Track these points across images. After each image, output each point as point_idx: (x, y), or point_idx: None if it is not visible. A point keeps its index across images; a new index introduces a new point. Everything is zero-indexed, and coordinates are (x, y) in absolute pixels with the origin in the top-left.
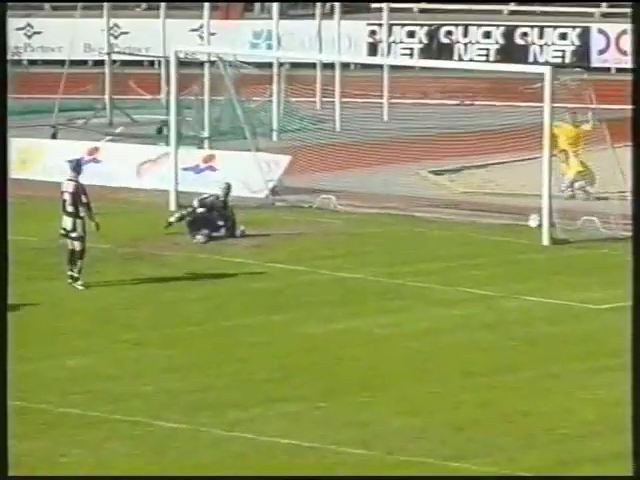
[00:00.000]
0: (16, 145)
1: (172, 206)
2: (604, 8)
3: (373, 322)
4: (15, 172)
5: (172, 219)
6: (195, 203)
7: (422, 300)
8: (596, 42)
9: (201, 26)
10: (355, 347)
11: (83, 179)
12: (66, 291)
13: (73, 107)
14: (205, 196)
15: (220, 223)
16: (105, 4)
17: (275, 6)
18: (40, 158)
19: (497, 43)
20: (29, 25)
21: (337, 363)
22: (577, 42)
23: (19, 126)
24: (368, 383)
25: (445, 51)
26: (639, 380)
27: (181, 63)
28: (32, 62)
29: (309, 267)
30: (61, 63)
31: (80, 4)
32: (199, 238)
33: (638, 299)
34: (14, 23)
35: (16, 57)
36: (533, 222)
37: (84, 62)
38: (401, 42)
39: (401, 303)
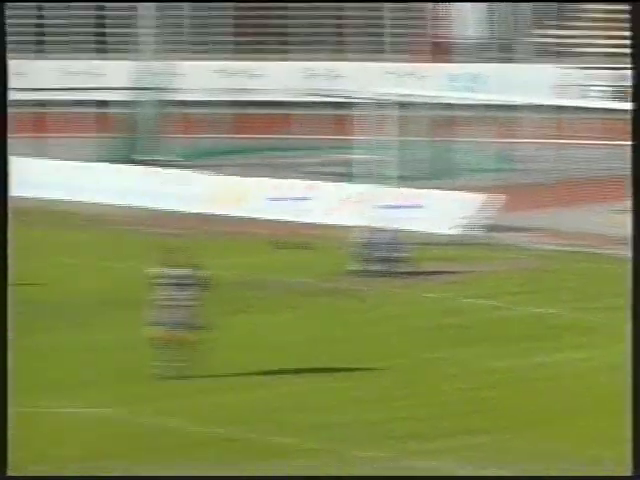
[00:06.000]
0: (229, 182)
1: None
2: None
3: (563, 357)
4: (228, 208)
5: (353, 267)
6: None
7: (612, 336)
8: None
9: (397, 69)
10: (544, 381)
11: (285, 215)
12: (263, 324)
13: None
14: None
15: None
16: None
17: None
18: (253, 195)
19: None
20: None
21: (526, 397)
22: None
23: (233, 165)
24: (552, 417)
25: None
26: (638, 373)
27: (379, 105)
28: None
29: (502, 302)
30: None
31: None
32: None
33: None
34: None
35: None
36: None
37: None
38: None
39: (592, 339)
